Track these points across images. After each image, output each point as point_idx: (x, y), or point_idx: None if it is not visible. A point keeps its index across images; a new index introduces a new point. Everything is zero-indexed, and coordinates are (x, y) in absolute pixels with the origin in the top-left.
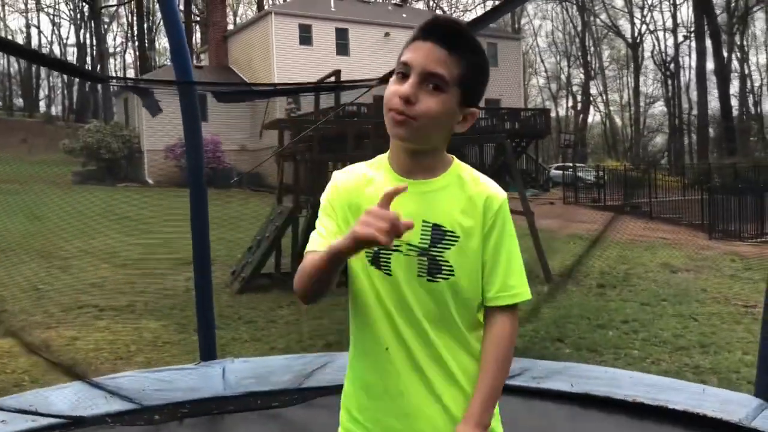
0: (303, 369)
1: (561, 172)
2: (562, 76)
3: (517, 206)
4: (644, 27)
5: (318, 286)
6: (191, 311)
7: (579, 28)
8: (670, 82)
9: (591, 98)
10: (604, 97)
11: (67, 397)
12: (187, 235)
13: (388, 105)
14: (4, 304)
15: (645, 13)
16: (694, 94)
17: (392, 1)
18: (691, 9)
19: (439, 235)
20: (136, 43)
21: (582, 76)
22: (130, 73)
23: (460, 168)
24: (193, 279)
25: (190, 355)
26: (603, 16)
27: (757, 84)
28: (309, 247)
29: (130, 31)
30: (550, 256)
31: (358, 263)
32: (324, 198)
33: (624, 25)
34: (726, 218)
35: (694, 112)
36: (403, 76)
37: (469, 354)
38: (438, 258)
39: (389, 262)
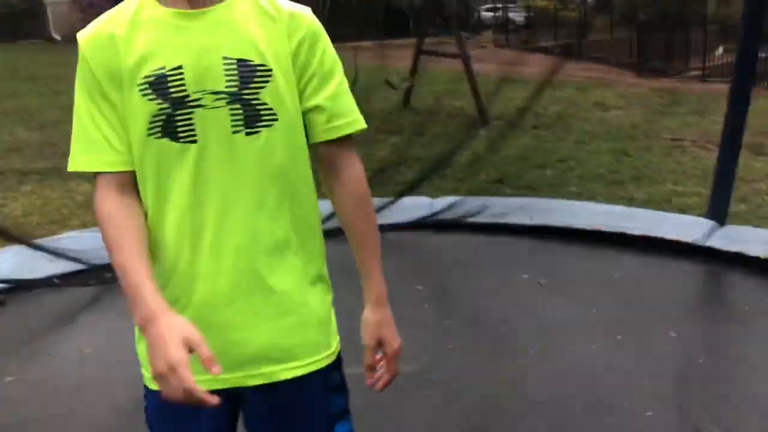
0: None
1: (492, 13)
2: None
3: (453, 50)
4: None
5: None
6: None
7: None
8: None
9: None
10: None
11: (6, 261)
12: None
13: None
14: None
15: None
16: None
17: None
18: None
19: (248, 72)
20: None
21: None
22: None
23: None
24: None
25: None
26: None
27: None
28: (80, 151)
29: None
30: (485, 99)
31: (136, 135)
32: (78, 77)
33: None
34: (653, 56)
35: None
36: None
37: (304, 223)
38: (254, 101)
39: (191, 125)
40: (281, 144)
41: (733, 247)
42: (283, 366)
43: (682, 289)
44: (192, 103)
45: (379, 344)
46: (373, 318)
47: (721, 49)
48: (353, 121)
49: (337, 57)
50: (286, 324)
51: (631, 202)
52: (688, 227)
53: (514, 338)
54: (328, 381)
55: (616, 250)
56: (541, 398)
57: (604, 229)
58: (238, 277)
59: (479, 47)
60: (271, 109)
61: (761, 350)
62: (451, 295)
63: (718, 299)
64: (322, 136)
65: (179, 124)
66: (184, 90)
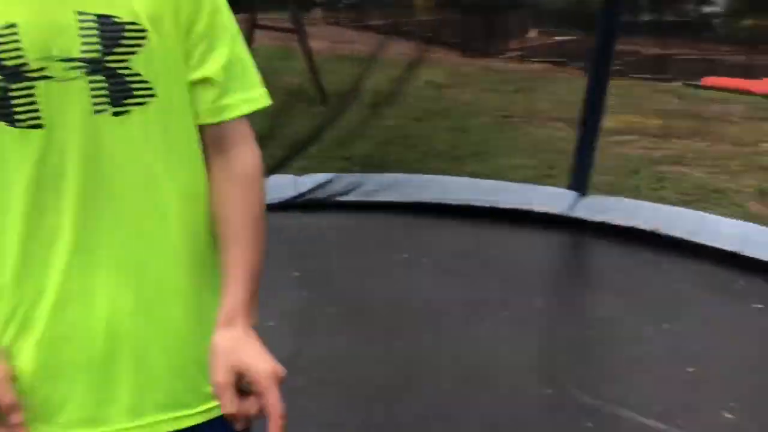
0: None
1: None
2: None
3: (287, 25)
4: None
5: None
6: None
7: None
8: None
9: None
10: None
11: None
12: None
13: None
14: None
15: None
16: None
17: None
18: None
19: (113, 32)
20: None
21: None
22: None
23: None
24: None
25: None
26: None
27: None
28: None
29: None
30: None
31: None
32: None
33: None
34: (475, 36)
35: None
36: None
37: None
38: (122, 71)
39: (33, 104)
40: (161, 128)
41: (597, 217)
42: (182, 413)
43: (554, 261)
44: (33, 75)
45: (239, 377)
46: (224, 342)
47: (535, 32)
48: (252, 98)
49: (230, 11)
50: (178, 360)
51: (473, 176)
52: (553, 198)
53: (400, 321)
54: (230, 427)
55: (488, 223)
56: (431, 381)
57: (475, 204)
58: (109, 303)
59: (310, 24)
60: (146, 81)
61: (631, 317)
62: (332, 280)
63: (587, 269)
64: (208, 117)
65: (16, 102)
66: (21, 57)
